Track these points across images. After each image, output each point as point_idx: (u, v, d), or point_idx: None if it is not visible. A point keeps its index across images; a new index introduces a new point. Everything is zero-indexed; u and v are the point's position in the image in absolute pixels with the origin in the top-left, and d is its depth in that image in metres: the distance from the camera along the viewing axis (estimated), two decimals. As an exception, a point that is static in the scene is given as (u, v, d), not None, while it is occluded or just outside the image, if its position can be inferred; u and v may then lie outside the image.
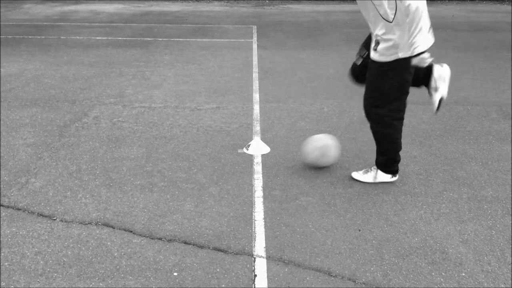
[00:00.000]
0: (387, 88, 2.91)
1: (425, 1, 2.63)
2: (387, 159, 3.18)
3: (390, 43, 2.76)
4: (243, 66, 6.59)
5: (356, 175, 3.29)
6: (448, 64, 3.06)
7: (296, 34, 9.40)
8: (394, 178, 3.25)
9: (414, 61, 2.75)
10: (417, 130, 4.25)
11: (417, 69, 2.89)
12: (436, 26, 10.71)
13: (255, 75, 6.12)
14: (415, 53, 2.71)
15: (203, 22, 10.86)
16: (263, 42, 8.41)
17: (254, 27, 10.23)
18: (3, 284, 2.24)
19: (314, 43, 8.42)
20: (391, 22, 2.71)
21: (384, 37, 2.78)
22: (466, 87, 5.63)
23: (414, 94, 5.49)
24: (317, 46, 8.19)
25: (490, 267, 2.40)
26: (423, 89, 3.18)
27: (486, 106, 4.95)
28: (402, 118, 3.08)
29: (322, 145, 3.38)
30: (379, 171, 3.23)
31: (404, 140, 4.00)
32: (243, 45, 8.17)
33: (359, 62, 3.10)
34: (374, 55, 2.89)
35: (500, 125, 4.40)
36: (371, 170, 3.26)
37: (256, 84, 5.67)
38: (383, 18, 2.73)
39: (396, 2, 2.64)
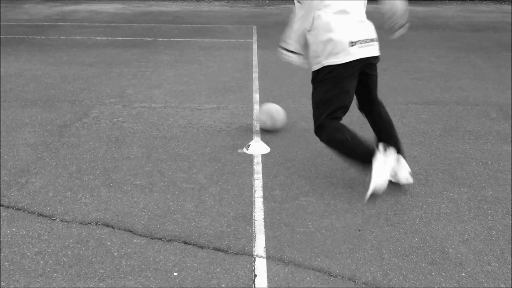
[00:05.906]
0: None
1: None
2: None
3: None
4: (243, 66, 6.59)
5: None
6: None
7: (296, 34, 9.38)
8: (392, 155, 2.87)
9: None
10: (417, 130, 4.25)
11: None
12: (436, 26, 10.73)
13: (255, 75, 6.13)
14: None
15: (203, 22, 10.86)
16: (263, 42, 8.41)
17: (254, 27, 10.23)
18: (3, 284, 2.24)
19: (314, 43, 8.41)
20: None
21: None
22: (466, 87, 5.63)
23: (414, 94, 5.51)
24: (317, 46, 8.18)
25: (490, 267, 2.40)
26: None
27: (486, 106, 4.95)
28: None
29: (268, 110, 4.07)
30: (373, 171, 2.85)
31: (404, 140, 4.01)
32: (243, 45, 8.17)
33: None
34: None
35: (500, 125, 4.41)
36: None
37: (256, 84, 5.67)
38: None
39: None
